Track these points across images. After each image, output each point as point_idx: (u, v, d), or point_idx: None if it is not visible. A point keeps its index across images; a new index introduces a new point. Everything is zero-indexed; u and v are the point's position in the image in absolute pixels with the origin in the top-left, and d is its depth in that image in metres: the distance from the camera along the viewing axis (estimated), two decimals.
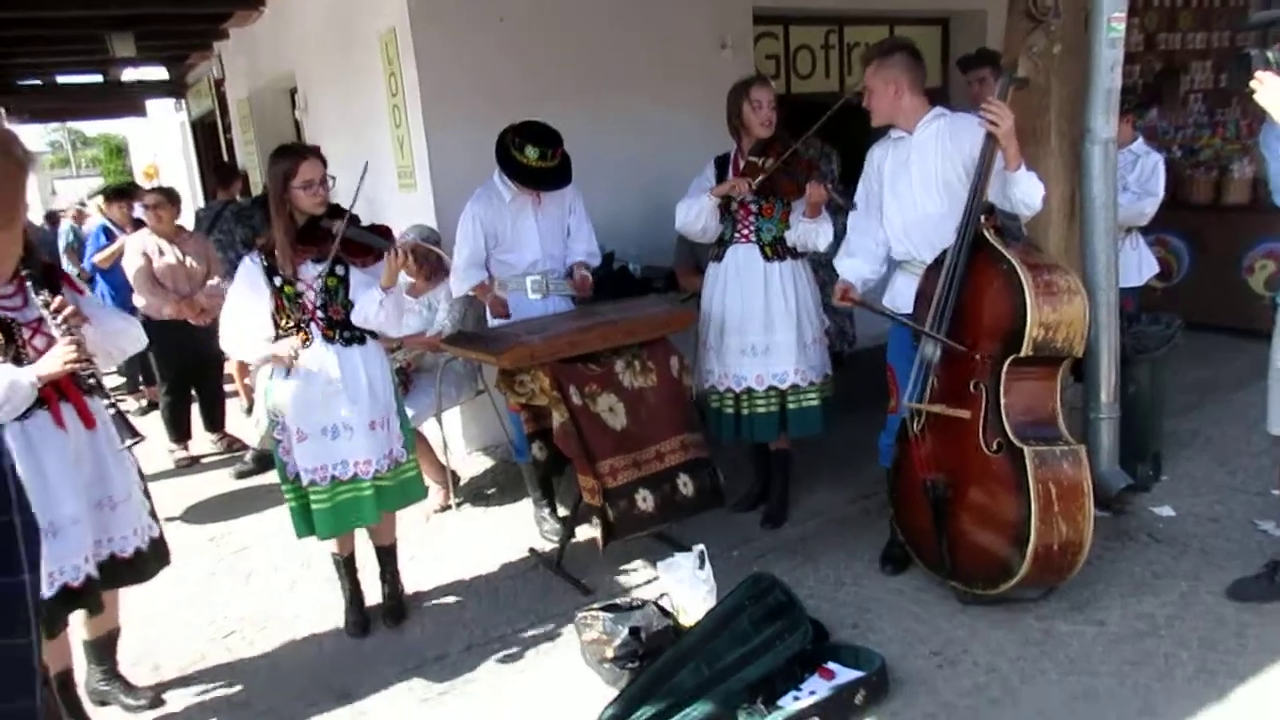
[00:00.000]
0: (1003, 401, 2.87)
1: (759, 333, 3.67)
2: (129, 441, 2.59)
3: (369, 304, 3.02)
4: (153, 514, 2.87)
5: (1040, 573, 2.86)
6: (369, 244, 3.02)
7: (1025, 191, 2.93)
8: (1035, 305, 2.78)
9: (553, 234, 3.83)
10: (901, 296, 3.24)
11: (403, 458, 3.22)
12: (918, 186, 3.15)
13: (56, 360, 2.51)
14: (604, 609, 2.99)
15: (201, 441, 5.59)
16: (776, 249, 3.67)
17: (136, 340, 2.81)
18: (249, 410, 5.71)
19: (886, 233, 3.26)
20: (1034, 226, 3.50)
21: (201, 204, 9.66)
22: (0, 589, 0.93)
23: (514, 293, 3.85)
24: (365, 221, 3.15)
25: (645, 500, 3.34)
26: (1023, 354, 2.82)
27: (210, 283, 5.25)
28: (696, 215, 3.65)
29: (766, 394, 3.71)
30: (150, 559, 2.84)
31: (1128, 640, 2.85)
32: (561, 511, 4.07)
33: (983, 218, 2.92)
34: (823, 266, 4.18)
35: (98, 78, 10.80)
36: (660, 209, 4.49)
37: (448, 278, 4.01)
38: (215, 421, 5.62)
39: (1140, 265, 4.43)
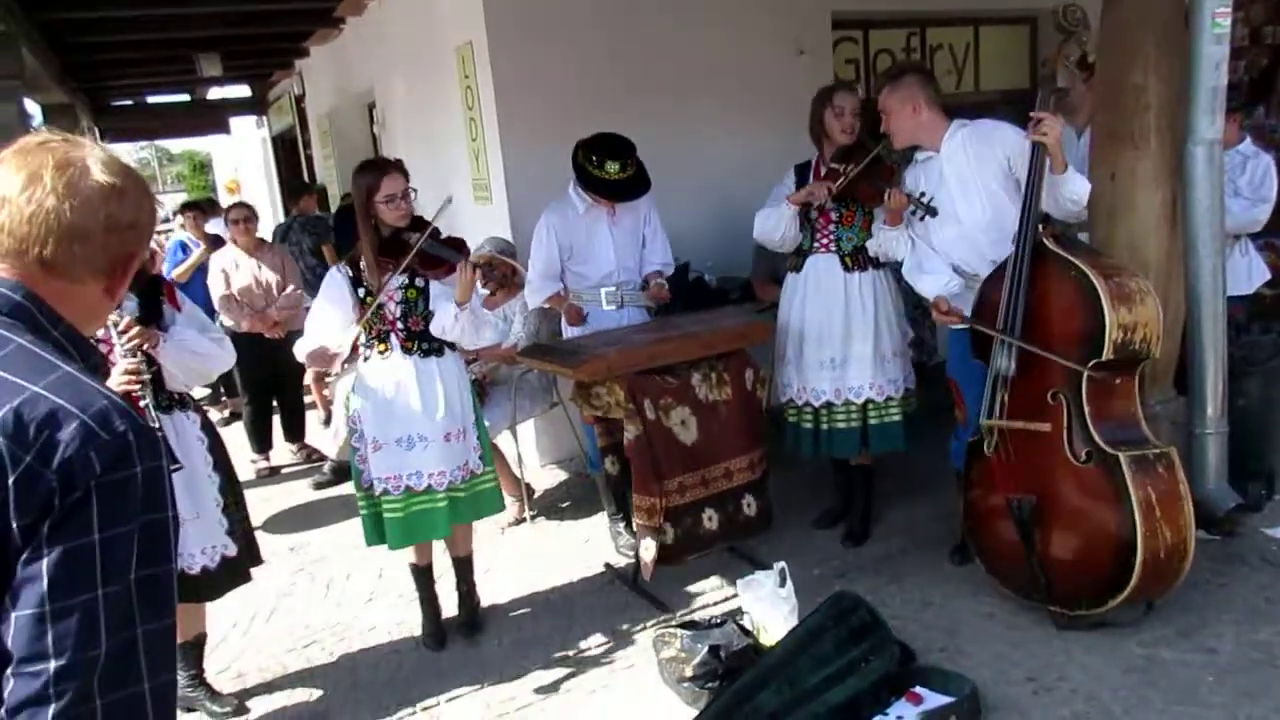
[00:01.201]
0: (1087, 410, 2.84)
1: (837, 345, 3.64)
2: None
3: (445, 317, 3.07)
4: (232, 532, 2.91)
5: (1150, 583, 2.79)
6: (442, 256, 3.07)
7: (1074, 189, 3.01)
8: (1111, 308, 2.79)
9: (628, 245, 3.86)
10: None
11: (479, 469, 3.24)
12: (959, 199, 3.20)
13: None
14: (682, 626, 2.98)
15: (282, 452, 5.71)
16: (857, 259, 3.63)
17: (224, 362, 2.89)
18: (326, 421, 5.84)
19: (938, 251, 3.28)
20: (1131, 234, 3.39)
21: (282, 218, 9.98)
22: (160, 576, 1.07)
23: (589, 304, 3.88)
24: (446, 234, 3.21)
25: (710, 520, 3.35)
26: (1104, 358, 2.81)
27: (286, 291, 5.37)
28: (775, 224, 3.64)
29: (846, 408, 3.67)
30: (221, 577, 2.89)
31: (1241, 671, 2.71)
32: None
33: (1040, 226, 2.96)
34: None
35: (185, 97, 11.25)
36: (737, 218, 4.46)
37: (522, 290, 4.04)
38: (295, 432, 5.74)
39: (1250, 272, 4.26)
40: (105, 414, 1.06)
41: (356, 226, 3.09)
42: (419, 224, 3.09)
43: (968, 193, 3.20)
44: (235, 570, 2.94)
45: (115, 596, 1.02)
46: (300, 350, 3.15)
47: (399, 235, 3.07)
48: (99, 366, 1.20)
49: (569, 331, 3.92)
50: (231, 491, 2.94)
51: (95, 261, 1.18)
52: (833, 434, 3.70)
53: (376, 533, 3.20)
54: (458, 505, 3.19)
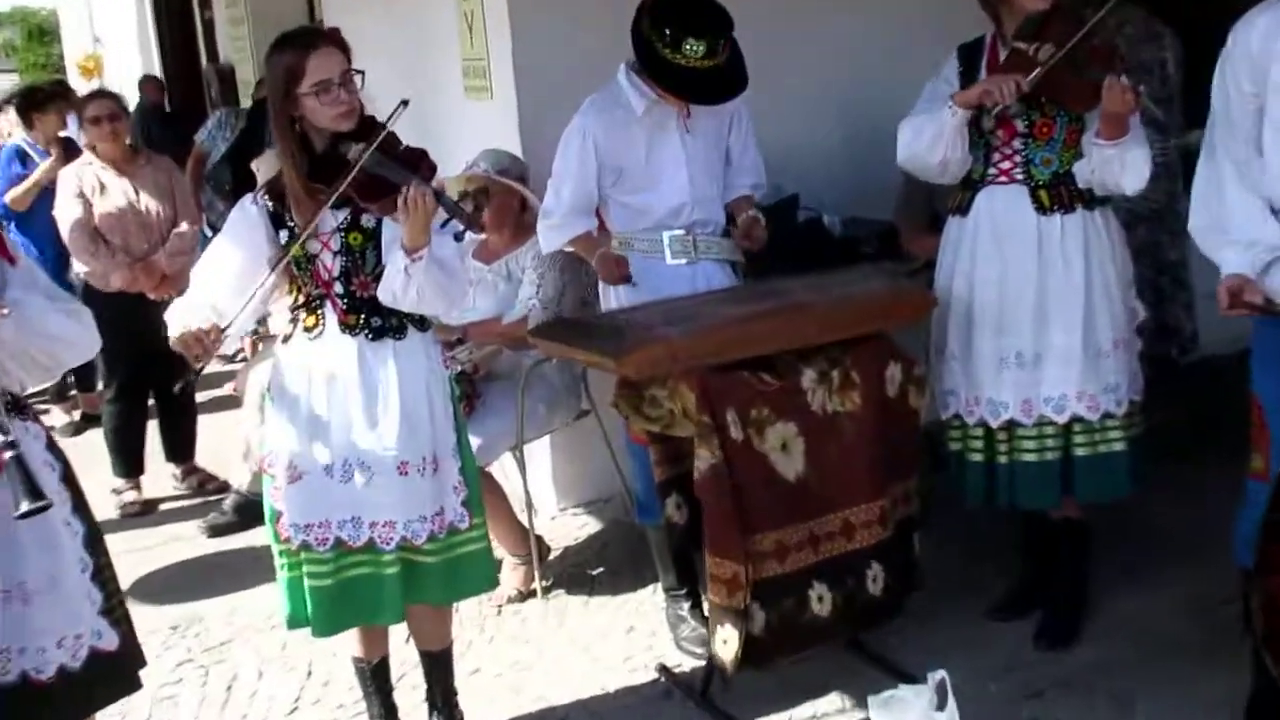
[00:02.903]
0: None
1: (1027, 331, 3.61)
2: (25, 507, 2.48)
3: (391, 274, 3.03)
4: (110, 612, 2.82)
5: None
6: (388, 178, 3.01)
7: None
8: None
9: (708, 164, 3.88)
10: None
11: (461, 521, 3.24)
12: None
13: None
14: None
15: (160, 477, 5.72)
16: (1058, 193, 3.60)
17: (83, 349, 2.85)
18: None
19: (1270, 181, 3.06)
20: None
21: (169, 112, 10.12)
22: None
23: (643, 256, 3.87)
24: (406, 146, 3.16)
25: (821, 600, 3.36)
26: None
27: (179, 229, 5.37)
28: (932, 139, 3.58)
29: (1040, 431, 3.64)
30: (90, 685, 2.74)
31: None
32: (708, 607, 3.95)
33: None
34: (1142, 220, 4.00)
35: None
36: (871, 134, 4.45)
37: (534, 234, 4.04)
38: (181, 448, 5.73)
39: None
40: None
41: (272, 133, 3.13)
42: (369, 128, 3.05)
43: None
44: (115, 674, 2.81)
45: None
46: (171, 319, 3.10)
47: (337, 147, 3.04)
48: None
49: (609, 298, 3.94)
50: (98, 546, 2.84)
51: None
52: (1016, 471, 3.68)
53: (301, 607, 3.20)
54: (420, 576, 3.20)
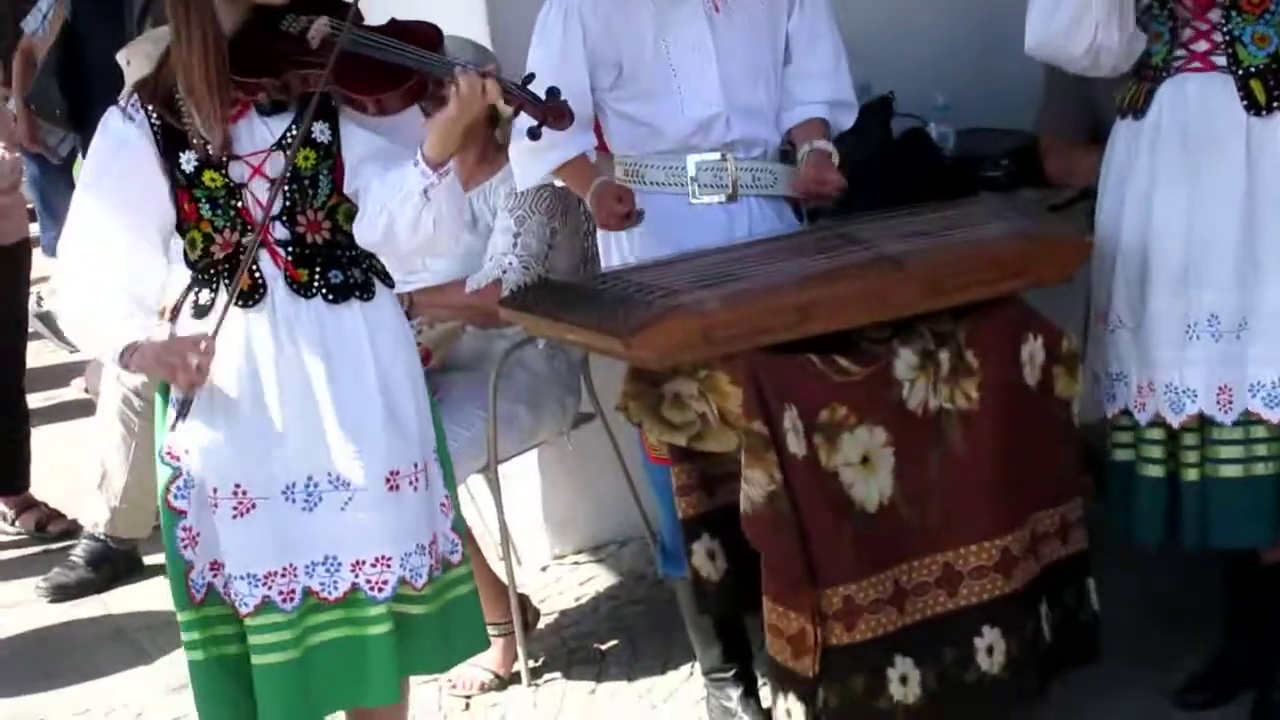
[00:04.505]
0: None
1: (1227, 283, 3.63)
2: None
3: (396, 197, 3.05)
4: None
5: None
6: (398, 63, 3.05)
7: None
8: None
9: (750, 57, 3.94)
10: None
11: (453, 553, 3.35)
12: None
13: None
14: None
15: None
16: (1278, 83, 3.60)
17: None
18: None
19: None
20: None
21: None
22: None
23: (658, 190, 3.92)
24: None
25: (905, 682, 3.37)
26: None
27: None
28: (1075, 14, 3.58)
29: (1246, 434, 3.66)
30: None
31: None
32: (767, 693, 3.98)
33: None
34: None
35: None
36: (994, 13, 4.53)
37: (506, 160, 4.09)
38: (11, 475, 5.80)
39: None
40: None
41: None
42: (311, 0, 3.10)
43: None
44: None
45: None
46: (95, 335, 3.15)
47: (270, 22, 3.08)
48: None
49: (614, 250, 4.01)
50: None
51: None
52: (1209, 490, 3.68)
53: (225, 703, 3.23)
54: (412, 635, 3.26)
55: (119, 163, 3.12)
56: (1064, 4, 3.56)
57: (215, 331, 3.00)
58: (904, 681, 3.35)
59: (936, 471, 3.38)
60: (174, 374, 3.01)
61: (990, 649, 3.44)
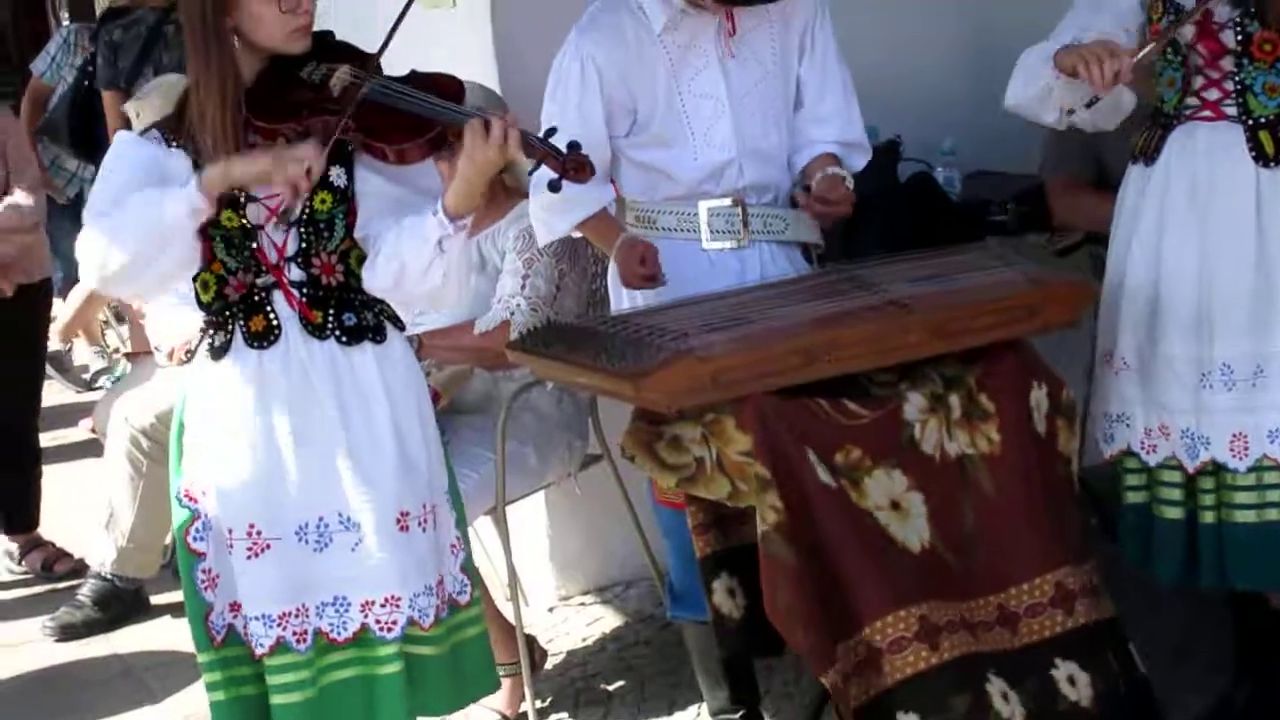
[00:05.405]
0: None
1: (1241, 331, 3.64)
2: None
3: (411, 246, 3.07)
4: None
5: None
6: (420, 113, 3.07)
7: None
8: None
9: (764, 103, 3.92)
10: None
11: (462, 594, 3.36)
12: None
13: None
14: None
15: None
16: None
17: None
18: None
19: None
20: None
21: None
22: None
23: (672, 236, 3.91)
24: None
25: (1007, 699, 3.30)
26: None
27: (13, 200, 5.41)
28: (1041, 94, 3.68)
29: (1260, 479, 3.66)
30: None
31: None
32: None
33: None
34: None
35: None
36: (1007, 50, 4.38)
37: (516, 204, 4.12)
38: (19, 514, 5.79)
39: None
40: None
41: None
42: (330, 48, 3.14)
43: None
44: None
45: None
46: (127, 227, 3.05)
47: (292, 71, 3.10)
48: None
49: (622, 292, 3.99)
50: None
51: None
52: (1225, 534, 3.68)
53: None
54: (422, 677, 3.28)
55: (153, 162, 3.09)
56: (1032, 81, 3.65)
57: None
58: (1006, 699, 3.27)
59: (972, 518, 3.37)
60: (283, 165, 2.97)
61: (1072, 679, 3.36)
